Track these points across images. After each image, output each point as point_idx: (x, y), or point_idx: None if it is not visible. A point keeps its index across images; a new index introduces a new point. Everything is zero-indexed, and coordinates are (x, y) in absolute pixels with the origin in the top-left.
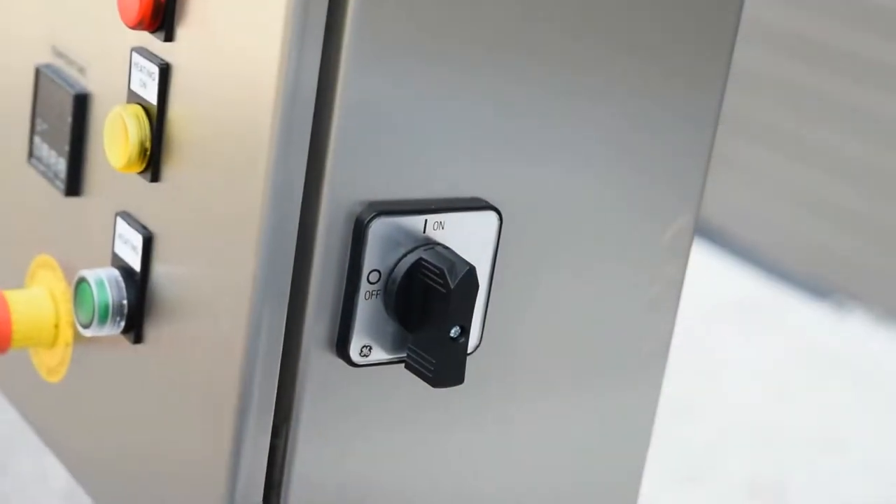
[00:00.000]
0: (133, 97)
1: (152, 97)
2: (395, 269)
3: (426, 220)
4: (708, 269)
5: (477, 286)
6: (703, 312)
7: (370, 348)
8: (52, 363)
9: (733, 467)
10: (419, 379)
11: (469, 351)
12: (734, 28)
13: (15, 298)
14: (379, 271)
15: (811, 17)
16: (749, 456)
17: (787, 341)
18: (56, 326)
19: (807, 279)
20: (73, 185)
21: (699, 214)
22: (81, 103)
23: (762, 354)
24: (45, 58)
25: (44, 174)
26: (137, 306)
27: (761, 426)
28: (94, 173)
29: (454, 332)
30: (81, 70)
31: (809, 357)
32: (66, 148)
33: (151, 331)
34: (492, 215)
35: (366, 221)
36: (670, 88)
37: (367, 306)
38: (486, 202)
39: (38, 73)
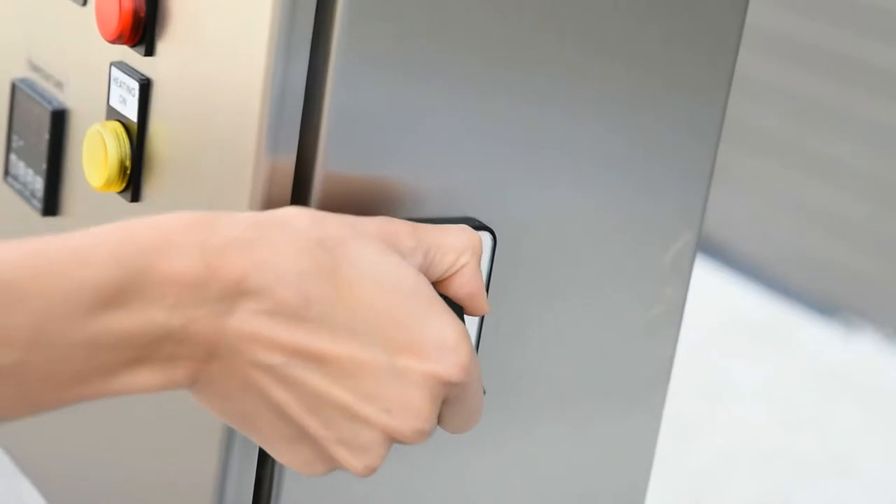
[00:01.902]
0: (112, 113)
1: (132, 113)
2: None
3: None
4: (710, 287)
5: None
6: (706, 331)
7: None
8: None
9: (738, 489)
10: None
11: None
12: (737, 37)
13: None
14: None
15: (822, 25)
16: (754, 477)
17: (792, 360)
18: None
19: (813, 296)
20: (51, 204)
21: (700, 232)
22: (59, 119)
23: (767, 374)
24: (21, 72)
25: (20, 193)
26: None
27: (767, 447)
28: (72, 192)
29: None
30: (59, 85)
31: (816, 377)
32: (44, 166)
33: None
34: (486, 236)
35: None
36: (671, 101)
37: None
38: (480, 222)
39: (13, 87)
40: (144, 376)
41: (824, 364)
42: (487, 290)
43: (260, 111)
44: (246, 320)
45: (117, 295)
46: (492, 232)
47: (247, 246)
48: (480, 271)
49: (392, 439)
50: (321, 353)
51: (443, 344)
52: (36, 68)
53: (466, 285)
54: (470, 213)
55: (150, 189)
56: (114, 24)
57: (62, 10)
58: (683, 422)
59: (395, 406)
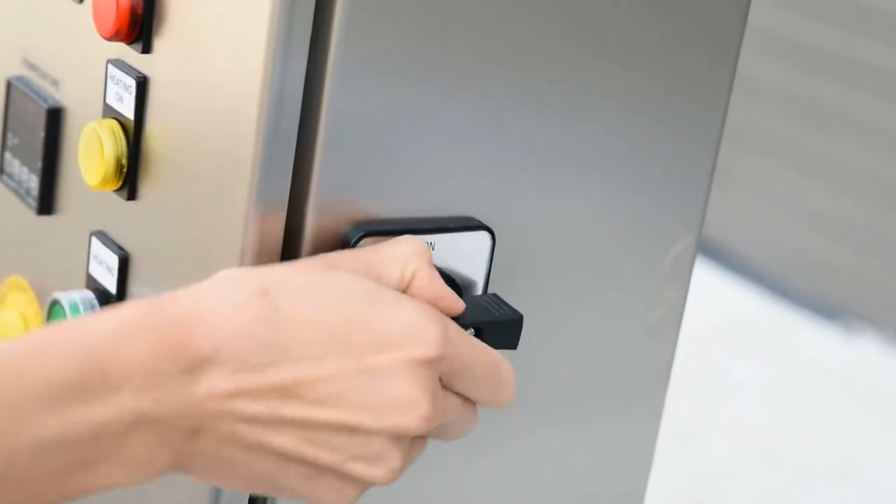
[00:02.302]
0: (109, 111)
1: (129, 111)
2: None
3: None
4: (709, 290)
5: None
6: (706, 334)
7: None
8: None
9: (738, 492)
10: None
11: None
12: (738, 39)
13: None
14: None
15: (823, 26)
16: (754, 480)
17: (793, 364)
18: None
19: (814, 299)
20: (46, 203)
21: (701, 235)
22: (54, 118)
23: (767, 377)
24: (16, 70)
25: (15, 191)
26: None
27: (767, 450)
28: (67, 191)
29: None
30: (55, 83)
31: (817, 380)
32: (39, 164)
33: None
34: (484, 236)
35: (353, 241)
36: (671, 103)
37: None
38: (479, 222)
39: (9, 85)
40: (129, 466)
41: (825, 367)
42: (486, 291)
43: (258, 109)
44: (214, 385)
45: (81, 387)
46: (491, 232)
47: (193, 317)
48: (435, 275)
49: (403, 436)
50: (296, 384)
51: (408, 329)
52: (31, 66)
53: (424, 291)
54: (469, 213)
55: (146, 187)
56: (111, 22)
57: (58, 8)
58: (683, 424)
59: (387, 405)
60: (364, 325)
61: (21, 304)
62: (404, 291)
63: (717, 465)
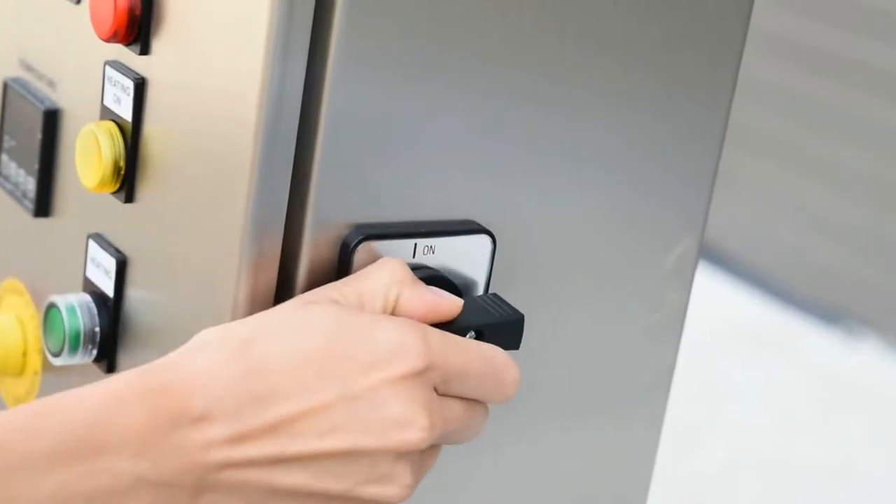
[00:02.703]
0: (106, 113)
1: (127, 113)
2: None
3: (416, 244)
4: (711, 293)
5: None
6: (708, 337)
7: None
8: (19, 393)
9: (739, 495)
10: None
11: None
12: (741, 39)
13: None
14: None
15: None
16: (755, 484)
17: (795, 368)
18: (24, 354)
19: (815, 303)
20: (43, 205)
21: (703, 236)
22: (52, 119)
23: (769, 382)
24: (12, 71)
25: (11, 194)
26: (110, 334)
27: (768, 454)
28: (64, 193)
29: (469, 336)
30: (52, 84)
31: (819, 385)
32: (36, 166)
33: (125, 360)
34: (485, 239)
35: (352, 245)
36: (672, 103)
37: None
38: (479, 225)
39: (5, 87)
40: None
41: (827, 371)
42: (486, 292)
43: (257, 111)
44: (210, 437)
45: (77, 454)
46: (491, 235)
47: (182, 380)
48: (419, 290)
49: (408, 452)
50: (291, 421)
51: (389, 347)
52: (28, 67)
53: (414, 311)
54: (469, 216)
55: (144, 190)
56: (108, 23)
57: (55, 9)
58: (684, 427)
59: (385, 425)
60: (346, 352)
61: (17, 308)
62: (394, 313)
63: (717, 468)
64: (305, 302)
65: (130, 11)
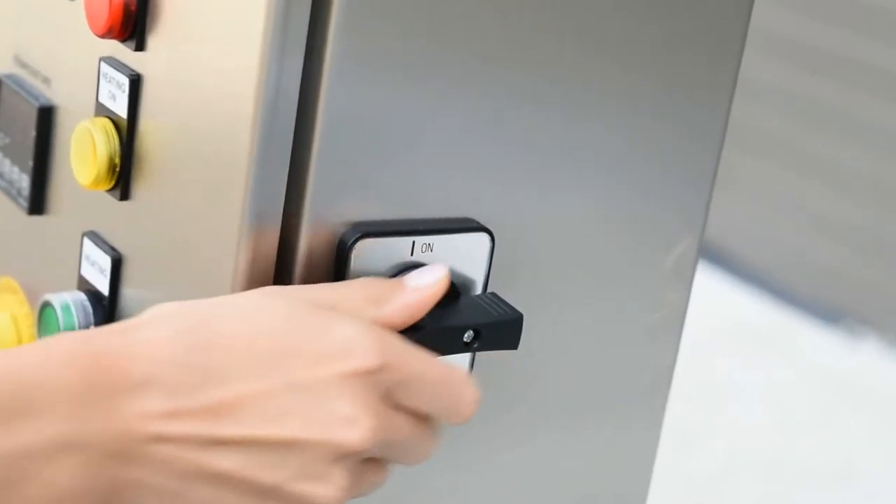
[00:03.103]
0: (101, 110)
1: (122, 110)
2: None
3: (414, 242)
4: (710, 293)
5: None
6: (708, 337)
7: None
8: None
9: (739, 496)
10: None
11: None
12: (741, 38)
13: None
14: None
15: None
16: (755, 485)
17: (795, 368)
18: None
19: (816, 303)
20: (37, 203)
21: (703, 236)
22: (46, 116)
23: (769, 382)
24: (7, 68)
25: (6, 191)
26: None
27: (768, 454)
28: (59, 191)
29: (467, 336)
30: (46, 81)
31: (819, 385)
32: (30, 163)
33: None
34: (483, 237)
35: (349, 243)
36: (672, 103)
37: None
38: (478, 223)
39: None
40: (50, 495)
41: (827, 371)
42: (484, 291)
43: (253, 108)
44: (145, 408)
45: (4, 412)
46: (490, 233)
47: (125, 347)
48: (393, 301)
49: (346, 454)
50: (230, 404)
51: (344, 342)
52: (23, 64)
53: (395, 320)
54: (468, 215)
55: (139, 187)
56: (103, 18)
57: (50, 5)
58: (684, 427)
59: (324, 420)
60: (300, 343)
61: (12, 306)
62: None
63: (717, 468)
64: (273, 292)
65: (126, 7)
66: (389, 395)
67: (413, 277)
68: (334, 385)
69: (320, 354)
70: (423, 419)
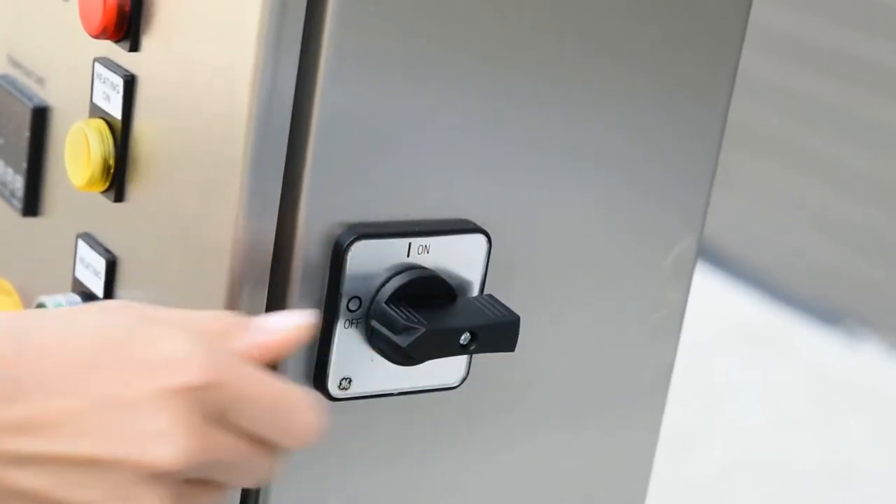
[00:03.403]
0: (96, 111)
1: (116, 111)
2: (377, 297)
3: (410, 244)
4: (709, 293)
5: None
6: (707, 338)
7: (350, 381)
8: None
9: (738, 498)
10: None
11: (454, 384)
12: (740, 37)
13: None
14: (359, 298)
15: (824, 23)
16: (754, 486)
17: (794, 369)
18: None
19: (816, 304)
20: (31, 204)
21: (702, 235)
22: (40, 117)
23: (768, 382)
24: (1, 68)
25: None
26: None
27: (767, 455)
28: (53, 192)
29: (464, 339)
30: (40, 81)
31: (818, 385)
32: (24, 165)
33: None
34: (480, 238)
35: (345, 245)
36: (672, 102)
37: (346, 336)
38: (475, 224)
39: None
40: None
41: (826, 371)
42: (482, 293)
43: (248, 109)
44: None
45: None
46: (487, 235)
47: None
48: (242, 344)
49: (162, 474)
50: (38, 419)
51: (169, 357)
52: (16, 64)
53: (265, 355)
54: (468, 216)
55: (134, 188)
56: (98, 19)
57: (44, 5)
58: (682, 429)
59: (136, 438)
60: (122, 357)
61: (6, 308)
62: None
63: (716, 468)
64: (116, 307)
65: (120, 8)
66: (222, 415)
67: (273, 319)
68: (150, 400)
69: (140, 369)
70: (258, 441)
